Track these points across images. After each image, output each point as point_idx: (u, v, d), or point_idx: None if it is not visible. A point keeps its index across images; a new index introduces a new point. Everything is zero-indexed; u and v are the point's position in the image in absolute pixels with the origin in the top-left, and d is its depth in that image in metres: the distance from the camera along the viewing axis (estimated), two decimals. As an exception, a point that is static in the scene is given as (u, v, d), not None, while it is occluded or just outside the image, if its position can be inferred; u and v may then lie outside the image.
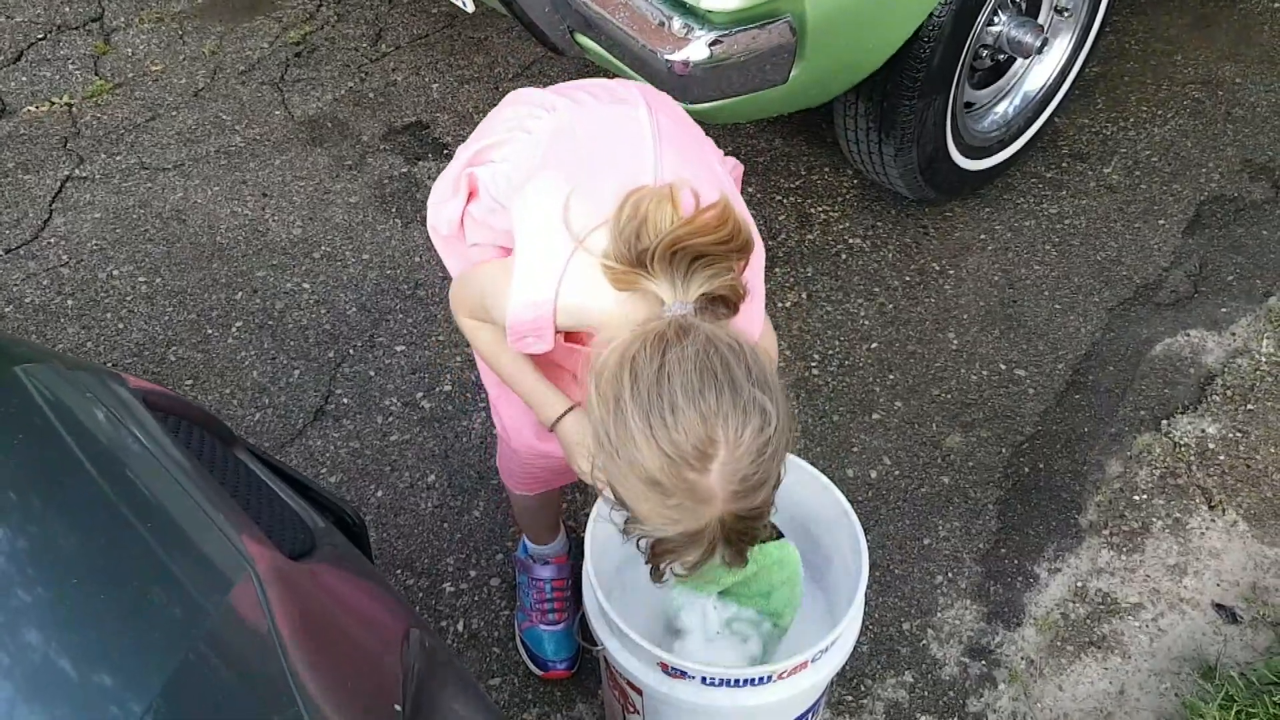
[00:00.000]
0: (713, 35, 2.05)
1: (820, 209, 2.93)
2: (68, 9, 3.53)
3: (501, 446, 1.96)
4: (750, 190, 2.95)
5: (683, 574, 1.34)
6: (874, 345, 2.64)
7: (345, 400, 2.54)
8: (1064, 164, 3.02)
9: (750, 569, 1.61)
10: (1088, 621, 2.21)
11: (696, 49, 2.06)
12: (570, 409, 1.57)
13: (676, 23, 2.07)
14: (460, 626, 2.21)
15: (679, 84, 2.11)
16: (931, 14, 2.32)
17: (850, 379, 2.57)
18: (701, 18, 2.07)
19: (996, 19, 2.60)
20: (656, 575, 1.36)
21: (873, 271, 2.78)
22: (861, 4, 2.18)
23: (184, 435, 1.34)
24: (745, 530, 1.28)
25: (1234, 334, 2.64)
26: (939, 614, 2.22)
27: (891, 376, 2.58)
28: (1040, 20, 2.75)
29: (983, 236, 2.86)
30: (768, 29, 2.08)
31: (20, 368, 1.16)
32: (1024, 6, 2.70)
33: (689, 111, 2.21)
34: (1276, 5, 3.47)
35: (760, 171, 3.01)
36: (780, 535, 1.71)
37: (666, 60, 2.07)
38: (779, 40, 2.10)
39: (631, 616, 1.65)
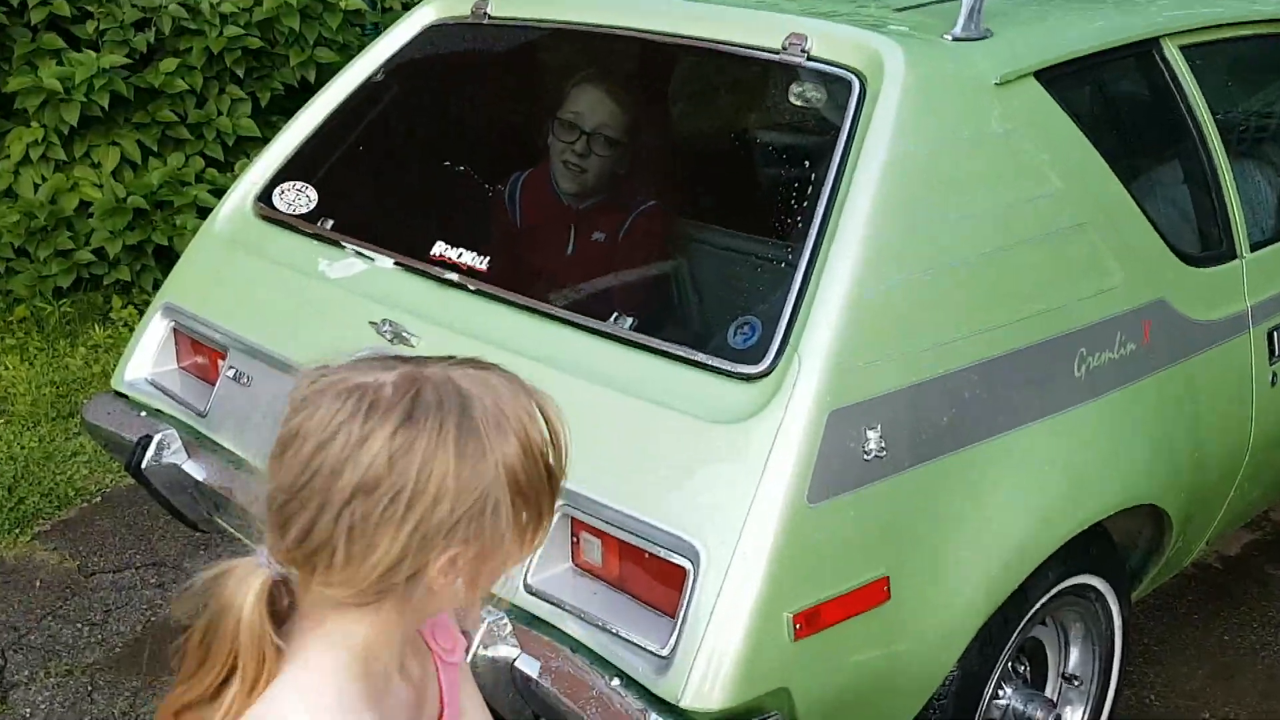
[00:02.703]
0: (694, 737, 1.72)
1: None
2: (-32, 662, 3.21)
3: None
4: None
5: None
6: None
7: None
8: None
9: None
10: None
11: (679, 752, 1.71)
12: None
13: (655, 720, 1.75)
14: None
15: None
16: (933, 698, 2.02)
17: None
18: (682, 716, 1.76)
19: (1002, 692, 2.29)
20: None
21: None
22: (853, 699, 1.89)
23: None
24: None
25: None
26: None
27: None
28: (1048, 692, 2.45)
29: None
30: (757, 727, 1.76)
31: None
32: (1029, 677, 2.41)
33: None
34: (1299, 652, 3.21)
35: None
36: None
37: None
38: (768, 742, 1.77)
39: None
